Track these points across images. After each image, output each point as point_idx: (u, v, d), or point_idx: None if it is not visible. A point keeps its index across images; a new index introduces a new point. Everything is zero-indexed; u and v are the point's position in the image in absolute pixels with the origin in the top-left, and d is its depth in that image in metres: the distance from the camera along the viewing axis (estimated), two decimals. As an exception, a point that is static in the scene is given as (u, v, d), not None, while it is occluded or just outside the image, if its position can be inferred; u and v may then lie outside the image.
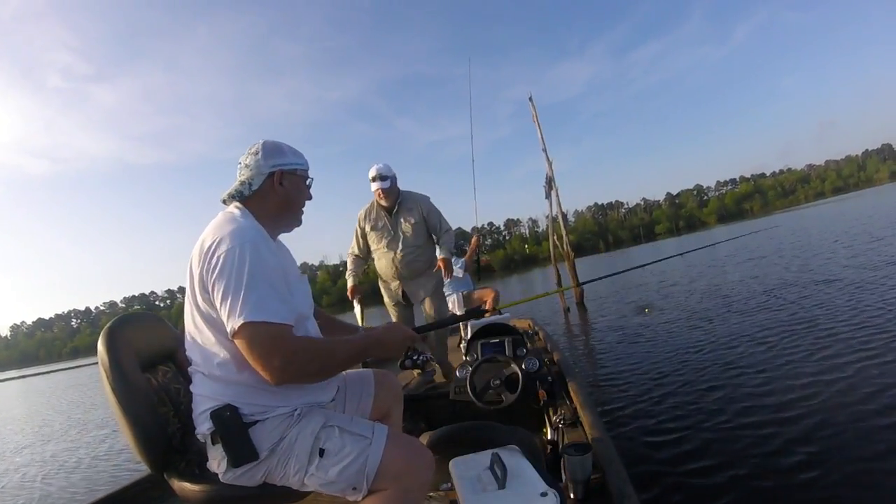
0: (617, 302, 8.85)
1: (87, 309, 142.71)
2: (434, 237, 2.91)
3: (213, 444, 1.10)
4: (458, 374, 2.46)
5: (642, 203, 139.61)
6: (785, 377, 3.24)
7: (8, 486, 4.76)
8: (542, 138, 9.92)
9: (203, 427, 1.11)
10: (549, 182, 9.91)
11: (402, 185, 2.93)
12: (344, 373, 1.42)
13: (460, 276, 4.89)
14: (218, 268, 1.04)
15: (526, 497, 1.11)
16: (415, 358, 1.33)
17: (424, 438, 1.64)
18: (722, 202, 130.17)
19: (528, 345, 2.54)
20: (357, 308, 2.92)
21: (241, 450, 1.07)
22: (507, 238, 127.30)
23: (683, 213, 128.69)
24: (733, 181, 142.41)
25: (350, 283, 2.97)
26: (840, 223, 16.75)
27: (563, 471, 1.48)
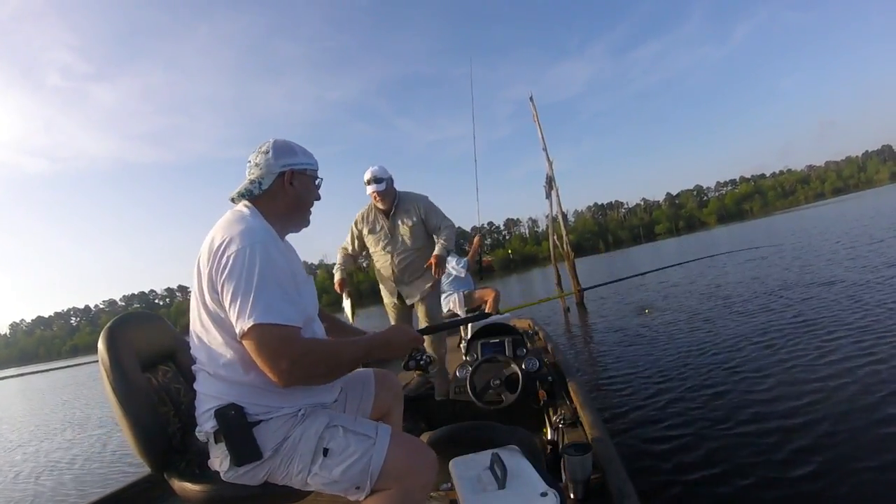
0: (617, 302, 8.85)
1: (87, 307, 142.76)
2: (434, 237, 2.88)
3: (216, 442, 1.10)
4: (458, 374, 2.46)
5: (642, 203, 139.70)
6: (785, 378, 3.24)
7: (6, 486, 4.74)
8: (543, 138, 9.91)
9: (206, 425, 1.11)
10: (550, 182, 9.90)
11: (403, 186, 2.91)
12: None
13: (462, 275, 4.90)
14: (228, 268, 1.03)
15: (526, 497, 1.11)
16: (418, 359, 1.34)
17: (424, 438, 1.64)
18: (722, 203, 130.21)
19: (528, 345, 2.54)
20: (346, 301, 2.88)
21: (245, 449, 1.07)
22: (507, 238, 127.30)
23: (683, 214, 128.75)
24: (733, 182, 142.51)
25: (338, 277, 2.93)
26: (840, 224, 16.75)
27: (563, 471, 1.49)
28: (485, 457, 1.29)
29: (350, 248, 2.98)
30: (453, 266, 4.82)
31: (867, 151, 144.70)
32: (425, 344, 2.75)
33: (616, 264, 23.79)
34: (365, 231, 2.90)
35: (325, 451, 1.08)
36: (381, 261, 2.89)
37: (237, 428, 1.07)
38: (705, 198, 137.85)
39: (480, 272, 5.52)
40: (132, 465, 4.38)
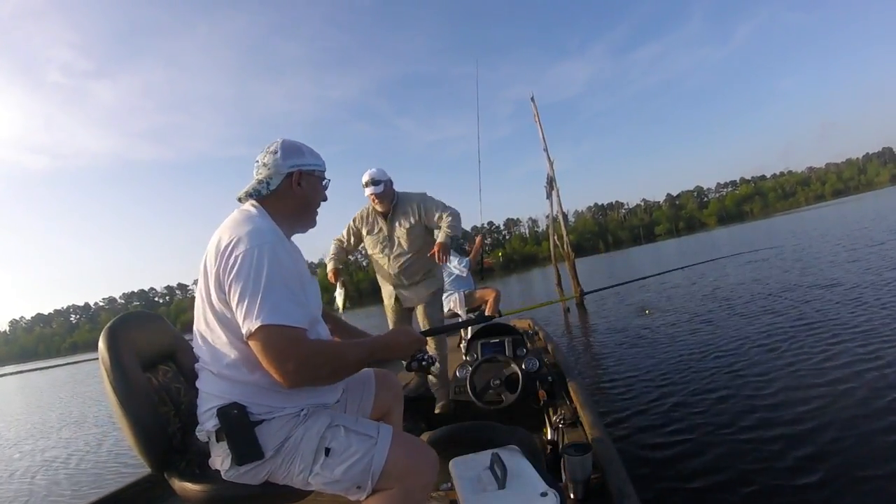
0: (617, 303, 8.84)
1: (86, 305, 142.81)
2: (437, 228, 2.75)
3: (218, 441, 1.10)
4: (458, 374, 2.46)
5: (642, 204, 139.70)
6: (786, 379, 3.24)
7: (5, 486, 4.70)
8: (544, 139, 9.90)
9: (208, 424, 1.11)
10: (551, 182, 9.89)
11: (403, 186, 2.87)
12: None
13: (464, 274, 4.90)
14: (235, 268, 1.03)
15: (526, 497, 1.11)
16: (420, 360, 1.34)
17: (424, 438, 1.64)
18: (722, 204, 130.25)
19: (528, 345, 2.54)
20: (339, 290, 2.82)
21: (247, 448, 1.07)
22: (507, 238, 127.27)
23: (683, 215, 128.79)
24: (733, 183, 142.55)
25: (331, 266, 2.86)
26: (841, 226, 16.75)
27: (563, 471, 1.49)
28: (485, 457, 1.29)
29: (345, 242, 2.93)
30: (455, 265, 4.83)
31: (867, 153, 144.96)
32: (428, 345, 2.74)
33: (616, 265, 23.80)
34: (364, 231, 2.88)
35: (327, 451, 1.08)
36: (380, 263, 2.87)
37: (239, 427, 1.07)
38: (705, 199, 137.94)
39: (482, 272, 5.52)
40: (129, 466, 4.36)
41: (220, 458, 1.11)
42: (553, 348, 3.28)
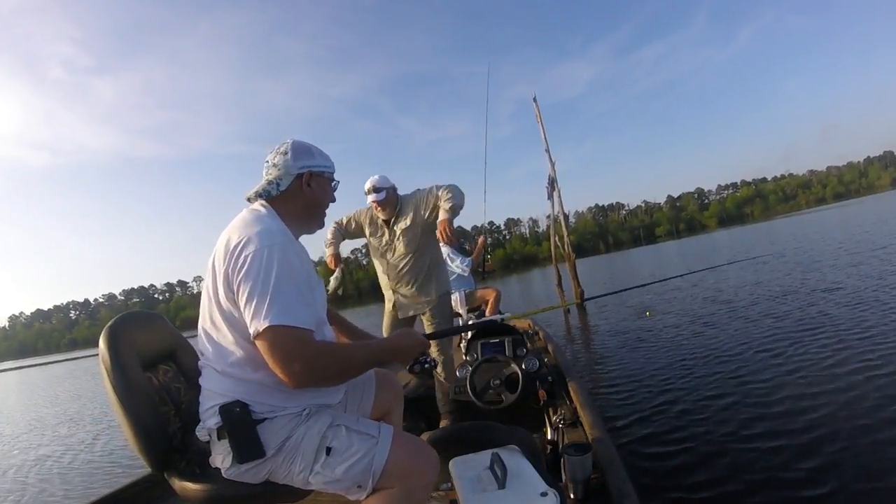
0: (617, 304, 8.84)
1: (86, 301, 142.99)
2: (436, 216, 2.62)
3: (219, 439, 1.10)
4: (458, 374, 2.46)
5: (643, 205, 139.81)
6: (786, 380, 3.24)
7: (4, 485, 4.66)
8: (546, 139, 9.89)
9: (210, 422, 1.11)
10: (552, 183, 9.88)
11: (403, 185, 2.80)
12: None
13: (465, 274, 4.90)
14: (245, 268, 1.03)
15: (526, 497, 1.11)
16: (423, 362, 1.34)
17: (424, 438, 1.64)
18: (723, 206, 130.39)
19: (528, 345, 2.54)
20: (336, 272, 2.74)
21: (248, 446, 1.07)
22: (508, 238, 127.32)
23: (684, 216, 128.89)
24: (734, 185, 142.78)
25: (330, 252, 2.79)
26: (842, 230, 16.75)
27: (563, 471, 1.49)
28: (485, 457, 1.29)
29: (344, 227, 2.87)
30: (458, 264, 4.83)
31: (869, 157, 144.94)
32: (431, 348, 2.72)
33: (616, 265, 23.82)
34: (367, 231, 2.85)
35: (328, 450, 1.08)
36: (380, 267, 2.85)
37: (241, 425, 1.07)
38: (706, 200, 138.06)
39: (483, 273, 5.52)
40: (127, 467, 4.34)
41: (221, 456, 1.11)
42: (553, 348, 3.28)
